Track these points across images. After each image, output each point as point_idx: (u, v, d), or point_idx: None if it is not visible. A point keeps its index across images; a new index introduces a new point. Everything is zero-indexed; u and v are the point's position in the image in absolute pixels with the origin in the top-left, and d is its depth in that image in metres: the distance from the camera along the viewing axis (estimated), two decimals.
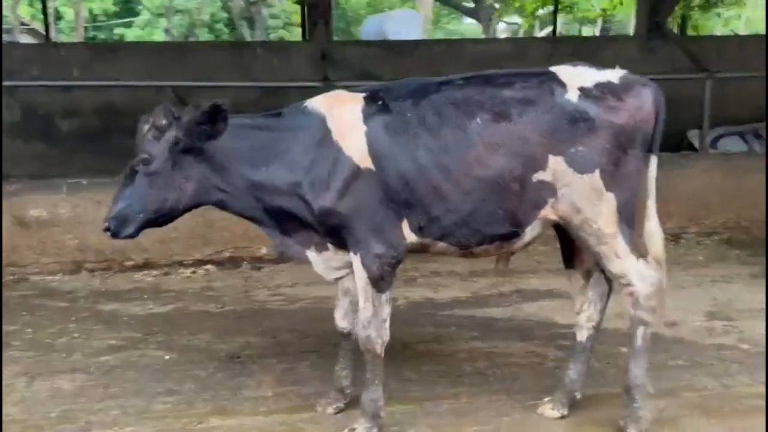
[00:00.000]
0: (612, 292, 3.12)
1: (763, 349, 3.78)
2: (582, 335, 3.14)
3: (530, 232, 2.82)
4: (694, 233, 6.28)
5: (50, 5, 16.96)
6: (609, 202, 2.72)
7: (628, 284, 2.87)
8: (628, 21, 20.15)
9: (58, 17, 24.38)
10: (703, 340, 3.96)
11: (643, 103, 2.73)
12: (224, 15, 26.68)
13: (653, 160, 2.82)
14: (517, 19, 26.38)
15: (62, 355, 3.92)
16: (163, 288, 5.17)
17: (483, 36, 21.85)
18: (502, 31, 25.88)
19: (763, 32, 9.29)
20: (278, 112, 2.88)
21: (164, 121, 2.71)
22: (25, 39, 18.59)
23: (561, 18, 18.61)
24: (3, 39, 13.85)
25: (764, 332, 4.02)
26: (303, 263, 3.05)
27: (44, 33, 10.89)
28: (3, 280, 5.21)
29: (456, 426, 3.08)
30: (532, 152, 2.67)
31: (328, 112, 2.77)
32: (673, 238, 5.96)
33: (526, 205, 2.73)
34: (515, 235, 2.80)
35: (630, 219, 2.83)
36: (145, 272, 5.53)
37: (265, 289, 5.10)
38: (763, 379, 3.42)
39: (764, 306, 4.44)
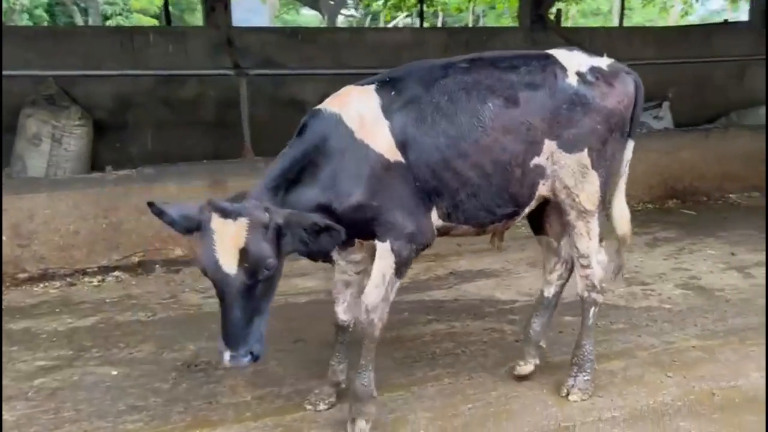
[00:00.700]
0: None
1: (684, 307, 4.26)
2: (549, 291, 3.38)
3: (527, 209, 2.96)
4: None
5: None
6: (593, 180, 2.92)
7: (588, 266, 3.12)
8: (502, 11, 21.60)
9: None
10: (632, 304, 4.36)
11: (627, 90, 2.95)
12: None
13: (630, 144, 3.07)
14: (354, 12, 27.22)
15: None
16: (75, 300, 4.66)
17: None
18: (341, 23, 26.22)
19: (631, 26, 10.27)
20: (301, 125, 2.71)
21: (265, 216, 2.36)
22: None
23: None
24: None
25: (678, 292, 4.53)
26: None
27: None
28: None
29: (450, 406, 3.14)
30: (535, 135, 2.78)
31: (344, 113, 2.66)
32: None
33: (527, 186, 2.85)
34: (517, 213, 2.93)
35: (603, 200, 3.06)
36: (45, 284, 4.94)
37: (193, 292, 4.79)
38: (694, 332, 3.88)
39: (668, 269, 5.00)
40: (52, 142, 6.61)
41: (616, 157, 3.02)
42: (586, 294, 3.19)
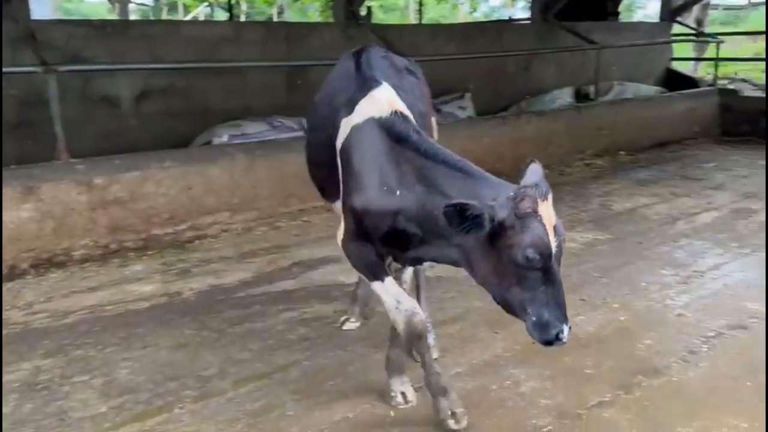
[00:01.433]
0: None
1: None
2: None
3: None
4: None
5: None
6: None
7: None
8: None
9: None
10: (451, 276, 4.78)
11: None
12: None
13: None
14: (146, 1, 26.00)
15: None
16: None
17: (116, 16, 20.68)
18: (132, 11, 24.84)
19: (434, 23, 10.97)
20: None
21: None
22: None
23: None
24: None
25: None
26: None
27: None
28: None
29: (313, 386, 3.31)
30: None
31: (372, 110, 2.80)
32: None
33: None
34: None
35: None
36: None
37: (15, 309, 4.37)
38: None
39: None
40: None
41: None
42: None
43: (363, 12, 8.16)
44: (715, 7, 26.87)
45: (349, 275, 4.87)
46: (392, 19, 29.99)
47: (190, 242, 5.61)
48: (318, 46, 7.83)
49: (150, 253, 5.31)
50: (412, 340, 2.86)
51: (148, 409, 3.13)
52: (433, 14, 30.54)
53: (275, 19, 27.95)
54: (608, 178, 7.69)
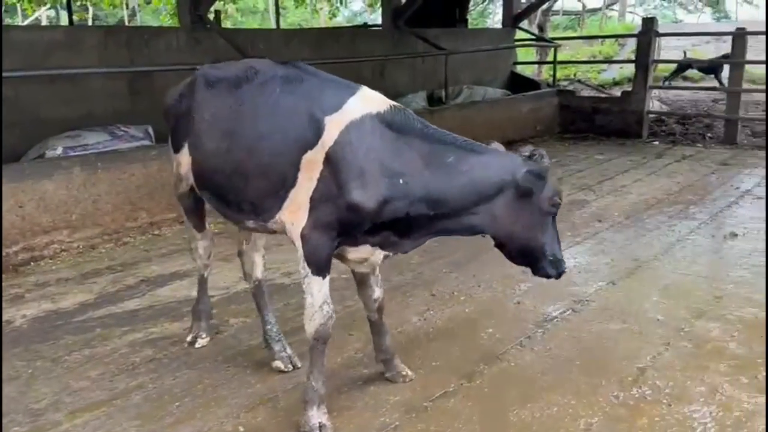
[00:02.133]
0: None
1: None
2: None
3: None
4: None
5: None
6: None
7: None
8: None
9: None
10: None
11: None
12: None
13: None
14: None
15: None
16: None
17: None
18: None
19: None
20: None
21: None
22: None
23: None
24: None
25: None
26: None
27: None
28: None
29: (157, 409, 3.16)
30: None
31: (368, 107, 2.79)
32: None
33: None
34: None
35: None
36: None
37: None
38: None
39: None
40: None
41: None
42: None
43: (211, 16, 7.92)
44: (557, 12, 29.11)
45: None
46: (252, 23, 29.51)
47: (24, 265, 5.17)
48: (163, 50, 7.52)
49: None
50: (318, 344, 2.96)
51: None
52: (294, 19, 30.43)
53: (126, 22, 26.55)
54: None
